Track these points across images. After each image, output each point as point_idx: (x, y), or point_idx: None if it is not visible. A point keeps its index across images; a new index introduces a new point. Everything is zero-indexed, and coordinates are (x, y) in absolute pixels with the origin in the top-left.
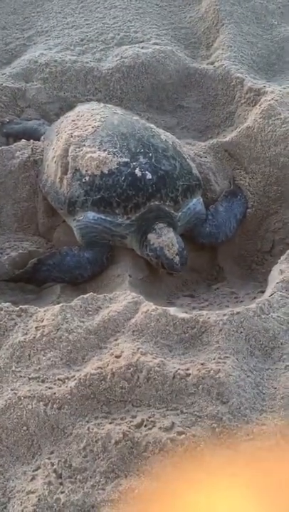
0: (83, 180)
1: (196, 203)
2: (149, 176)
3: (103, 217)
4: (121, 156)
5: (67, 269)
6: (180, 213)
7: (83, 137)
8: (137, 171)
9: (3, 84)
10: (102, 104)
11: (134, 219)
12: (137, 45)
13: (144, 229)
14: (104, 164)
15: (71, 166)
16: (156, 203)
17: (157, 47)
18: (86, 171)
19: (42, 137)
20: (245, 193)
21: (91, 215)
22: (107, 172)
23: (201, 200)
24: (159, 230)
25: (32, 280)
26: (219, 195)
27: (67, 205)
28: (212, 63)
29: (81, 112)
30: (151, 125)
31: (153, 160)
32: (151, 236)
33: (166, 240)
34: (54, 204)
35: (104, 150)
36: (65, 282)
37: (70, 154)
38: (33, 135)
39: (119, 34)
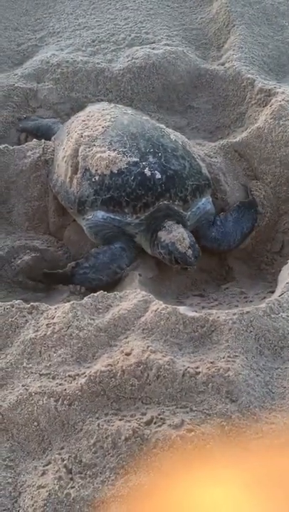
0: (93, 180)
1: (205, 202)
2: (158, 175)
3: (112, 216)
4: (130, 156)
5: (104, 266)
6: (189, 213)
7: (93, 137)
8: (147, 171)
9: (15, 85)
10: (112, 105)
11: (143, 218)
12: (148, 46)
13: (154, 228)
14: (114, 164)
15: (81, 166)
16: (166, 202)
17: (168, 48)
18: (96, 170)
19: (53, 137)
20: (259, 205)
21: (100, 214)
22: (116, 172)
23: (211, 199)
24: (168, 226)
25: (69, 283)
26: (230, 197)
27: (77, 204)
28: (223, 64)
29: (91, 112)
30: (161, 125)
31: (162, 160)
32: (161, 233)
33: (177, 234)
34: (64, 203)
35: (114, 150)
36: (102, 283)
37: (80, 154)
38: (46, 133)
39: (130, 35)
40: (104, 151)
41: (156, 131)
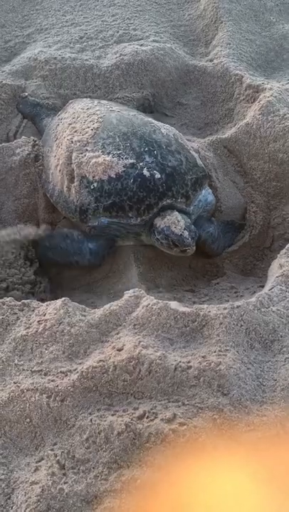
0: (91, 187)
1: (205, 193)
2: (157, 175)
3: (116, 221)
4: (126, 158)
5: (63, 253)
6: (192, 207)
7: (84, 142)
8: (145, 172)
9: (3, 82)
10: (95, 101)
11: (147, 219)
12: (136, 42)
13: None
14: (111, 168)
15: (77, 174)
16: (169, 201)
17: (156, 44)
18: (93, 177)
19: (40, 141)
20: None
21: (105, 220)
22: (114, 176)
23: (210, 189)
24: (163, 213)
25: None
26: (220, 193)
27: (79, 213)
28: (211, 60)
29: (76, 113)
30: (150, 119)
31: (159, 158)
32: (156, 220)
33: (171, 218)
34: (65, 213)
35: (108, 153)
36: (56, 263)
37: (73, 161)
38: (37, 124)
39: (118, 32)
40: (99, 156)
41: (147, 127)
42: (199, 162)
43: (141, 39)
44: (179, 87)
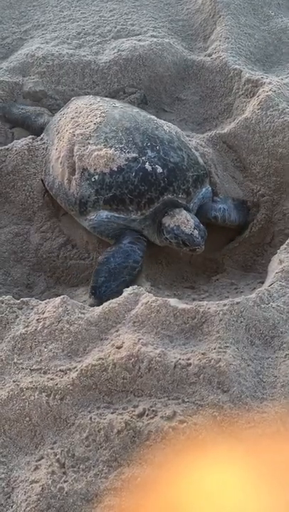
0: (92, 180)
1: (205, 192)
2: (159, 169)
3: (116, 214)
4: (128, 152)
5: (120, 269)
6: (192, 204)
7: (86, 135)
8: (147, 166)
9: (1, 79)
10: (98, 98)
11: (147, 214)
12: (134, 37)
13: (159, 219)
14: (113, 161)
15: (78, 166)
16: (170, 196)
17: (154, 39)
18: (94, 169)
19: (42, 135)
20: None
21: (104, 213)
22: (116, 169)
23: (210, 189)
24: (170, 212)
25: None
26: (219, 188)
27: (79, 205)
28: (209, 55)
29: (78, 108)
30: (152, 116)
31: (161, 153)
32: (165, 219)
33: (181, 217)
34: (64, 205)
35: (111, 146)
36: (127, 283)
37: (75, 154)
38: (32, 126)
39: (116, 27)
40: (101, 149)
41: (149, 124)
42: (200, 160)
43: (139, 34)
44: (178, 83)
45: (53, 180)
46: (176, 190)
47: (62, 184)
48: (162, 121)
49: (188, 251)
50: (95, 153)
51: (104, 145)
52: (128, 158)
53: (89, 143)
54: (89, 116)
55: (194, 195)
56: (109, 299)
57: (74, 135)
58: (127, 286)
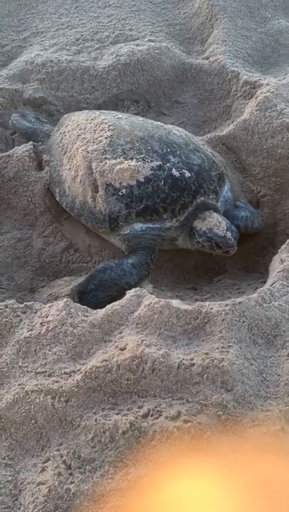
0: (120, 194)
1: (227, 189)
2: (187, 173)
3: (151, 225)
4: (152, 161)
5: (111, 283)
6: (219, 203)
7: (101, 150)
8: (174, 172)
9: (1, 86)
10: (96, 111)
11: (182, 220)
12: (132, 42)
13: (190, 224)
14: (138, 172)
15: (101, 183)
16: (202, 198)
17: (152, 44)
18: (120, 183)
19: (44, 157)
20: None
21: (138, 226)
22: (143, 180)
23: (229, 186)
24: (201, 215)
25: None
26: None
27: (109, 222)
28: (207, 58)
29: (81, 124)
30: (159, 122)
31: (183, 157)
32: (196, 223)
33: (212, 220)
34: (91, 225)
35: (132, 158)
36: (112, 298)
37: (95, 171)
38: (31, 138)
39: (114, 32)
40: (122, 162)
41: (160, 130)
42: (215, 159)
43: (137, 39)
44: (176, 86)
45: (72, 201)
46: (206, 192)
47: (86, 203)
48: (170, 125)
49: (221, 253)
50: (118, 166)
51: (124, 157)
52: (153, 167)
53: (106, 157)
54: (96, 131)
55: (220, 194)
56: (91, 307)
57: (88, 152)
58: (113, 301)
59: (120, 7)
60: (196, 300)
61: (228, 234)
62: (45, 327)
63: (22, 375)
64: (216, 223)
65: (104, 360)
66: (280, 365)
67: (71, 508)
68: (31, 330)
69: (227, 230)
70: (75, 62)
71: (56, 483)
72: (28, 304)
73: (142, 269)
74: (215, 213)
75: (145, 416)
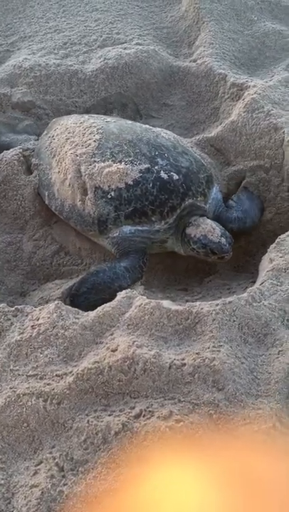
0: (109, 197)
1: (215, 191)
2: (175, 176)
3: (140, 228)
4: (140, 163)
5: (104, 287)
6: (208, 205)
7: (90, 153)
8: (163, 174)
9: None
10: (85, 115)
11: (171, 222)
12: (119, 46)
13: (182, 228)
14: (127, 175)
15: (90, 185)
16: (190, 200)
17: (140, 47)
18: (109, 186)
19: (32, 161)
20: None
21: (127, 229)
22: (132, 183)
23: (218, 187)
24: (194, 221)
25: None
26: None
27: (98, 225)
28: (195, 61)
29: (70, 128)
30: (147, 125)
31: (171, 160)
32: (189, 230)
33: (206, 226)
34: (80, 227)
35: (120, 161)
36: (104, 301)
37: (83, 174)
38: (10, 145)
39: (101, 36)
40: (111, 165)
41: (149, 133)
42: (204, 161)
43: (124, 42)
44: (164, 89)
45: (61, 204)
46: (195, 194)
47: (75, 206)
48: (158, 128)
49: (216, 259)
50: (106, 169)
51: (112, 160)
52: (141, 169)
53: (95, 161)
54: (85, 135)
55: (209, 196)
56: (83, 309)
57: (77, 155)
58: (104, 303)
59: (107, 11)
60: (187, 301)
61: (223, 240)
62: (36, 330)
63: (13, 379)
64: (210, 229)
65: (95, 361)
66: (271, 363)
67: (64, 509)
68: (22, 333)
69: (221, 236)
70: (63, 66)
71: (49, 486)
72: (19, 307)
73: (135, 272)
74: (208, 220)
75: (137, 416)
